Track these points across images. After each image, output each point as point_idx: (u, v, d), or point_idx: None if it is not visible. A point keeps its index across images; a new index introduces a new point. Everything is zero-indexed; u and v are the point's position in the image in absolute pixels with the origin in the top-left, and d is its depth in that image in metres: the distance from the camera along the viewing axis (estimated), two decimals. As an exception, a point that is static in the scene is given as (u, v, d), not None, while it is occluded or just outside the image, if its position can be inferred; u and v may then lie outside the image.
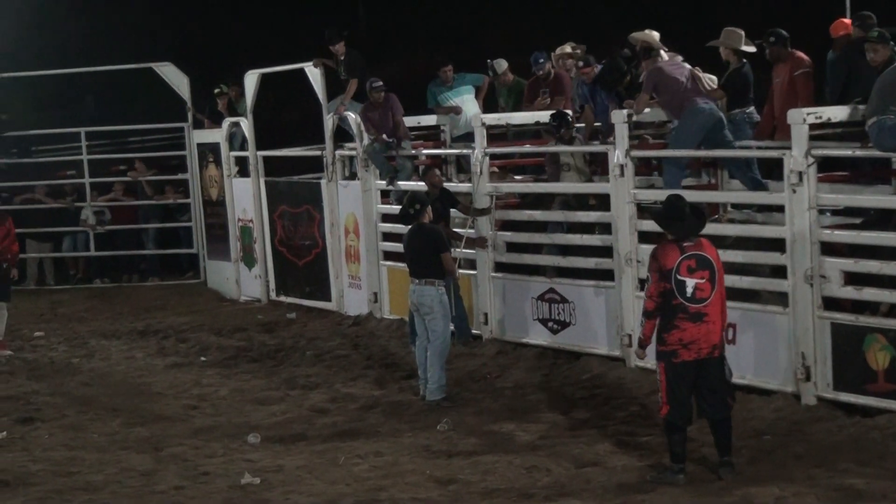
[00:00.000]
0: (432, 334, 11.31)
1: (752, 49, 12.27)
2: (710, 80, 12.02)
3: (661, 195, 11.15)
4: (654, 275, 8.68)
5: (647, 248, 11.19)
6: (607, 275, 11.92)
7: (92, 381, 12.98)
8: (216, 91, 18.28)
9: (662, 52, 12.21)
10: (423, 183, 13.49)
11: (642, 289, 11.23)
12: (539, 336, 12.59)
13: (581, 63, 13.60)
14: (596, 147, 12.54)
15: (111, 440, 10.64)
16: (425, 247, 11.40)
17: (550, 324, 12.48)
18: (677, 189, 10.94)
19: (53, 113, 24.62)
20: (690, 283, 8.60)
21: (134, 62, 19.85)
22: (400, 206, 14.44)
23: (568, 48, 14.89)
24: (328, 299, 15.79)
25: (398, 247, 14.47)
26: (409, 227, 11.63)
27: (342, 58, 15.39)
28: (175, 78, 18.99)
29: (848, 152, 11.04)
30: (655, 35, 12.78)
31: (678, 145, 11.75)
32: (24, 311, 16.88)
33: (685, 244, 8.68)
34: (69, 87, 26.36)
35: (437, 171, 13.28)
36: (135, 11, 31.45)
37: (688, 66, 12.07)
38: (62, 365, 13.88)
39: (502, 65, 15.35)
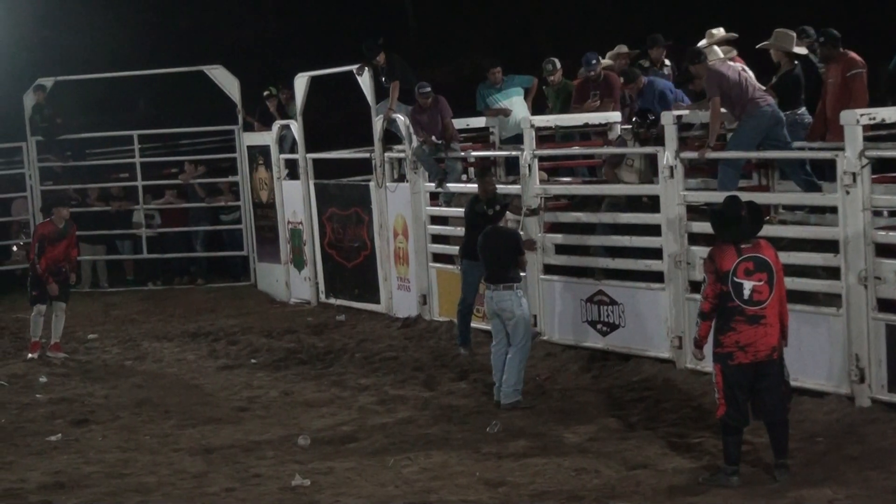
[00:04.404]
0: (514, 338, 11.21)
1: (803, 51, 12.16)
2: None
3: (713, 197, 11.11)
4: (711, 276, 8.64)
5: (697, 250, 11.17)
6: (657, 277, 11.87)
7: (144, 383, 13.10)
8: (265, 93, 18.38)
9: (712, 50, 12.15)
10: (473, 186, 13.46)
11: (692, 291, 11.23)
12: (588, 338, 12.55)
13: (622, 79, 13.48)
14: (645, 149, 12.47)
15: (163, 442, 10.74)
16: (504, 248, 11.29)
17: (599, 326, 12.45)
18: (733, 191, 10.84)
19: (106, 116, 24.85)
20: (748, 285, 8.56)
21: (185, 65, 19.97)
22: (449, 208, 14.56)
23: (608, 60, 14.76)
24: (377, 301, 15.83)
25: (447, 249, 14.55)
26: (485, 229, 11.54)
27: (383, 66, 15.40)
28: (226, 80, 19.11)
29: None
30: (716, 33, 12.74)
31: (738, 147, 11.61)
32: (79, 313, 17.05)
33: (742, 246, 8.62)
34: (121, 91, 26.60)
35: (492, 177, 13.23)
36: (186, 15, 31.69)
37: (735, 63, 11.98)
38: (115, 367, 14.02)
39: (557, 64, 15.27)
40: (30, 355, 14.35)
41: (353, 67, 15.73)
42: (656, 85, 13.12)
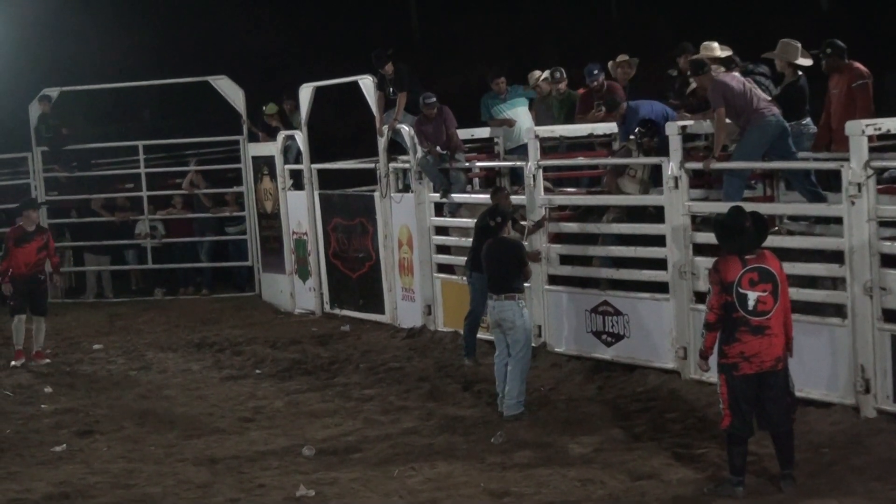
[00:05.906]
0: (513, 348, 11.18)
1: (808, 62, 12.16)
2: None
3: (718, 207, 11.10)
4: (716, 287, 8.63)
5: (702, 261, 11.16)
6: (662, 287, 11.86)
7: (149, 394, 13.09)
8: (264, 108, 18.45)
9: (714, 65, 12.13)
10: (477, 196, 13.45)
11: (697, 301, 11.22)
12: (593, 349, 12.55)
13: (603, 109, 13.45)
14: (650, 159, 12.47)
15: (168, 452, 10.73)
16: (507, 259, 11.25)
17: (604, 336, 12.44)
18: (737, 201, 10.83)
19: (111, 127, 24.91)
20: (752, 296, 8.55)
21: (190, 75, 20.01)
22: (454, 218, 14.57)
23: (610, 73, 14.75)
24: (382, 312, 15.83)
25: (452, 259, 14.56)
26: (488, 240, 11.52)
27: (391, 76, 15.40)
28: (231, 91, 19.14)
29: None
30: (713, 46, 12.67)
31: (744, 157, 11.59)
32: (84, 323, 17.07)
33: (747, 257, 8.62)
34: (127, 101, 26.68)
35: (508, 192, 13.19)
36: (191, 25, 31.76)
37: (739, 74, 11.98)
38: (120, 377, 14.02)
39: (563, 73, 15.22)
40: (13, 363, 14.41)
41: (360, 77, 15.73)
42: (639, 111, 13.01)
